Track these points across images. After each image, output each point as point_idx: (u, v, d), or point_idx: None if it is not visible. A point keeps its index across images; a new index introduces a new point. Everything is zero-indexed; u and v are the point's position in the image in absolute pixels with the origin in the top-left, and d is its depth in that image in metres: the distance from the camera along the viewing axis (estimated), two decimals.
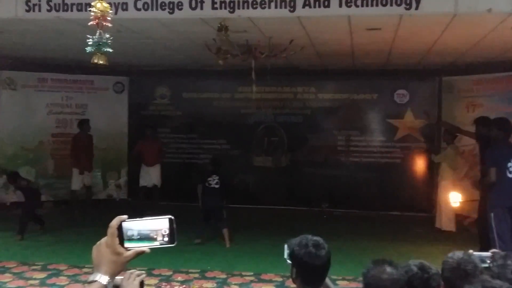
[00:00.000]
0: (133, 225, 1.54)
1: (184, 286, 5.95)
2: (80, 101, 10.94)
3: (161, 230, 1.54)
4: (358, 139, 10.79)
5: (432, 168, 9.90)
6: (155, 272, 6.30)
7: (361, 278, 2.60)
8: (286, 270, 3.04)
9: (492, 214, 6.27)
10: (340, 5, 5.43)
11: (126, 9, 5.76)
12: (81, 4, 5.72)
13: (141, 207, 8.87)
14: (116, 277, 1.57)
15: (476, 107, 9.32)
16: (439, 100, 10.24)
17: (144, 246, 1.53)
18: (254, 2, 5.56)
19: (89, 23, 3.73)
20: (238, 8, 5.61)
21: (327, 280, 2.83)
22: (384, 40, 7.23)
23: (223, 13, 5.68)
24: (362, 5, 5.39)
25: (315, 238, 2.73)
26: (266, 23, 6.16)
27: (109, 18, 3.71)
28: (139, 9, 5.77)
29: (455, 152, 8.84)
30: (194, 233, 7.75)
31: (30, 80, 10.51)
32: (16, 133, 10.28)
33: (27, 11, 5.95)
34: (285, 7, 5.52)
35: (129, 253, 1.53)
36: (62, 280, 6.12)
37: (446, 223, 8.73)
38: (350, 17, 5.84)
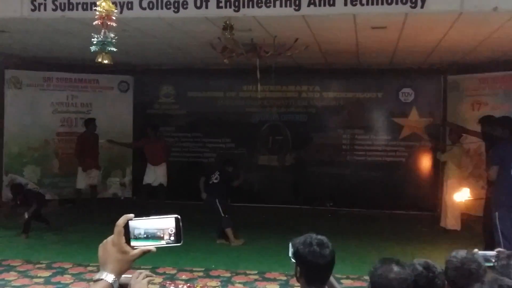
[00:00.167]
0: (140, 224, 1.53)
1: (188, 284, 5.95)
2: (85, 100, 10.93)
3: (167, 229, 1.54)
4: (363, 138, 10.77)
5: (437, 167, 9.88)
6: (160, 270, 6.30)
7: (365, 277, 2.61)
8: (290, 269, 3.04)
9: (496, 213, 6.24)
10: (345, 4, 5.42)
11: (131, 8, 5.76)
12: (86, 3, 5.74)
13: (145, 206, 8.86)
14: (122, 276, 1.57)
15: (481, 105, 9.29)
16: (444, 99, 10.21)
17: (151, 245, 1.53)
18: (259, 1, 5.56)
19: (94, 22, 3.74)
20: (243, 7, 5.61)
21: (332, 279, 2.84)
22: (389, 38, 7.21)
23: (228, 12, 5.68)
24: (367, 4, 5.37)
25: (320, 237, 2.73)
26: (271, 22, 6.15)
27: (114, 17, 3.72)
28: (144, 8, 5.77)
29: (461, 150, 8.82)
30: (213, 233, 7.91)
31: (35, 79, 10.50)
32: (21, 132, 10.28)
33: (33, 10, 5.97)
34: (290, 6, 5.52)
35: (135, 251, 1.53)
36: (66, 279, 6.14)
37: (451, 222, 8.71)
38: (355, 16, 5.83)
